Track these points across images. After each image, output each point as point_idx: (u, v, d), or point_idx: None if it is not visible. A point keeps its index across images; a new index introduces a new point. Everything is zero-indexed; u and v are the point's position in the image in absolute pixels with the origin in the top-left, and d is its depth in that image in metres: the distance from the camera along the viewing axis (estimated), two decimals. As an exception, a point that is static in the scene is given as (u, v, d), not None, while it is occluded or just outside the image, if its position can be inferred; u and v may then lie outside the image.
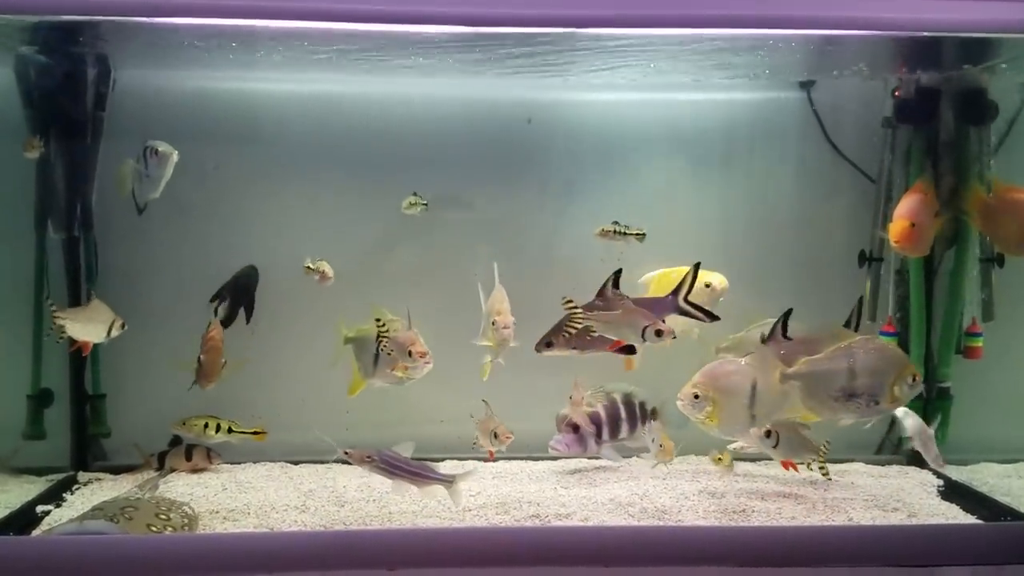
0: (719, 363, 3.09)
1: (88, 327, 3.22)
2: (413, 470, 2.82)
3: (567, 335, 2.99)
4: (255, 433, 3.35)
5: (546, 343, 3.01)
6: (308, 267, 3.34)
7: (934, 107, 3.61)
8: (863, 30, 2.85)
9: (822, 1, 2.76)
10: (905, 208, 3.19)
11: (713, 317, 3.07)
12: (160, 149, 3.13)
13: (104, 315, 3.23)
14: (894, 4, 2.77)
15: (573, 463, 3.55)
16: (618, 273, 3.08)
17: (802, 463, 3.26)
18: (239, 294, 3.44)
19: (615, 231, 3.32)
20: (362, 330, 3.20)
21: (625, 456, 3.66)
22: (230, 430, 3.32)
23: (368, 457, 2.78)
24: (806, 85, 3.74)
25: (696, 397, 3.00)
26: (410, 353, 3.09)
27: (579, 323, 2.97)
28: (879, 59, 3.43)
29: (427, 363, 3.10)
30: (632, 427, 3.40)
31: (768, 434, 3.06)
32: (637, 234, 3.33)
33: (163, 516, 2.81)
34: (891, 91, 3.67)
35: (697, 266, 3.07)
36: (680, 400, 3.03)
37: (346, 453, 2.79)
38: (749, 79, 3.70)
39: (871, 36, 2.96)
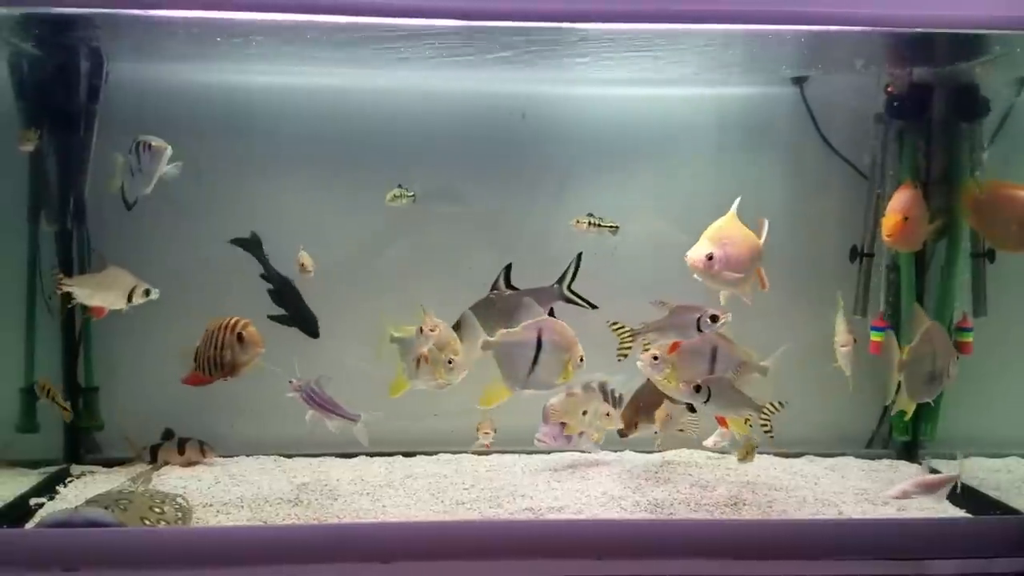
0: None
1: (101, 293, 3.12)
2: (325, 405, 3.07)
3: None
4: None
5: None
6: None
7: (926, 103, 3.63)
8: (857, 26, 2.85)
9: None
10: (898, 203, 3.19)
11: (592, 306, 3.18)
12: (153, 144, 3.07)
13: (123, 280, 3.10)
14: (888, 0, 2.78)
15: (568, 457, 3.55)
16: (508, 267, 3.17)
17: (744, 420, 3.13)
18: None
19: (589, 223, 3.33)
20: (409, 331, 3.13)
21: (619, 450, 3.69)
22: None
23: (298, 387, 3.08)
24: (799, 80, 3.75)
25: (655, 359, 3.02)
26: (450, 361, 3.05)
27: (630, 344, 2.98)
28: (872, 54, 3.44)
29: (463, 372, 3.05)
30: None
31: (698, 388, 2.96)
32: (611, 227, 3.34)
33: (157, 509, 2.82)
34: (883, 87, 3.68)
35: (579, 256, 3.18)
36: (640, 361, 3.03)
37: (290, 382, 3.07)
38: (743, 74, 3.71)
39: (864, 32, 2.97)
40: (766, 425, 3.04)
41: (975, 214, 3.32)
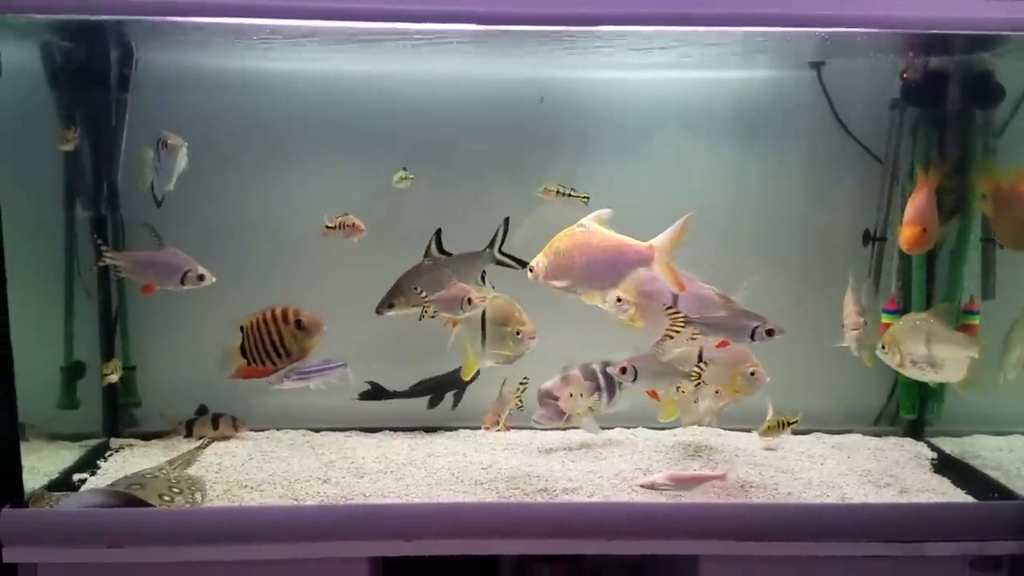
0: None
1: (153, 272, 3.22)
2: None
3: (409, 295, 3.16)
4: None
5: (388, 304, 3.20)
6: (328, 226, 3.34)
7: (941, 90, 3.66)
8: (875, 28, 2.91)
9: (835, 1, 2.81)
10: (915, 214, 3.25)
11: (523, 264, 3.23)
12: (170, 141, 3.15)
13: (179, 261, 3.20)
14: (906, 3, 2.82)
15: (580, 436, 3.69)
16: (439, 233, 3.24)
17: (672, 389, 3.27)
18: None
19: (558, 191, 3.40)
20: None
21: (631, 427, 3.84)
22: None
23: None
24: (816, 65, 3.78)
25: (619, 300, 3.15)
26: (518, 332, 3.14)
27: (680, 329, 3.01)
28: (889, 46, 3.46)
29: (532, 339, 3.15)
30: (611, 396, 3.52)
31: (624, 371, 3.13)
32: (582, 197, 3.40)
33: (167, 497, 2.98)
34: (900, 73, 3.71)
35: (506, 221, 3.28)
36: (604, 303, 3.16)
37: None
38: (761, 58, 3.75)
39: (883, 33, 3.04)
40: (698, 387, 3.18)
41: (994, 202, 3.32)
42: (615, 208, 3.73)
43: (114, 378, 3.58)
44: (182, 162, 3.21)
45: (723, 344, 3.13)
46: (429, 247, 3.35)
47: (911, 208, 3.25)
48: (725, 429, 3.79)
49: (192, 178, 3.30)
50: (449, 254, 3.36)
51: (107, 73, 3.57)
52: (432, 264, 3.31)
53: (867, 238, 3.85)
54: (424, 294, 3.19)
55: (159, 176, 3.19)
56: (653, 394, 3.31)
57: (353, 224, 3.34)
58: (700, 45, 3.38)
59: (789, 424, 3.44)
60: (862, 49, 3.51)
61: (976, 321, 3.69)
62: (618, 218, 3.77)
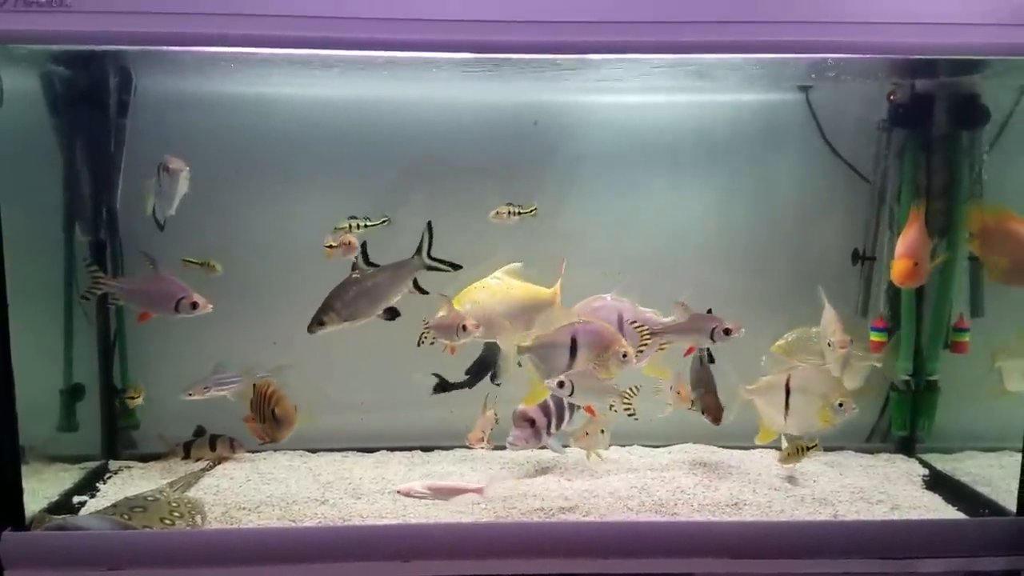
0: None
1: (148, 299, 3.24)
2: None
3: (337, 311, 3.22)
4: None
5: (318, 322, 3.22)
6: (331, 245, 3.35)
7: (928, 111, 3.73)
8: (862, 54, 2.96)
9: (824, 28, 2.85)
10: (907, 248, 3.32)
11: (456, 267, 3.37)
12: (171, 166, 3.19)
13: (174, 289, 3.21)
14: (890, 30, 2.86)
15: (575, 455, 3.70)
16: (363, 245, 3.30)
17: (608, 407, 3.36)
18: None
19: (509, 212, 3.52)
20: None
21: (627, 444, 3.87)
22: None
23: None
24: (805, 88, 3.84)
25: None
26: (624, 355, 3.22)
27: (647, 342, 3.29)
28: (877, 69, 3.53)
29: (630, 361, 3.23)
30: (571, 415, 3.56)
31: (561, 384, 3.20)
32: (531, 211, 3.56)
33: (168, 520, 3.01)
34: (887, 95, 3.78)
35: (429, 224, 3.35)
36: None
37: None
38: (751, 82, 3.81)
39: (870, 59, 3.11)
40: (629, 408, 3.27)
41: (981, 240, 3.38)
42: (610, 229, 3.89)
43: (140, 401, 3.67)
44: (183, 186, 3.25)
45: (691, 349, 3.35)
46: (356, 261, 3.31)
47: (902, 242, 3.32)
48: (720, 447, 3.84)
49: (191, 201, 3.35)
50: (376, 265, 3.32)
51: (106, 99, 3.62)
52: (360, 277, 3.27)
53: (856, 257, 3.91)
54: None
55: (160, 200, 3.23)
56: (590, 410, 3.39)
57: (349, 243, 3.38)
58: (692, 71, 3.44)
59: (808, 449, 3.49)
60: (850, 72, 3.57)
61: (966, 338, 3.75)
62: (612, 239, 3.90)
